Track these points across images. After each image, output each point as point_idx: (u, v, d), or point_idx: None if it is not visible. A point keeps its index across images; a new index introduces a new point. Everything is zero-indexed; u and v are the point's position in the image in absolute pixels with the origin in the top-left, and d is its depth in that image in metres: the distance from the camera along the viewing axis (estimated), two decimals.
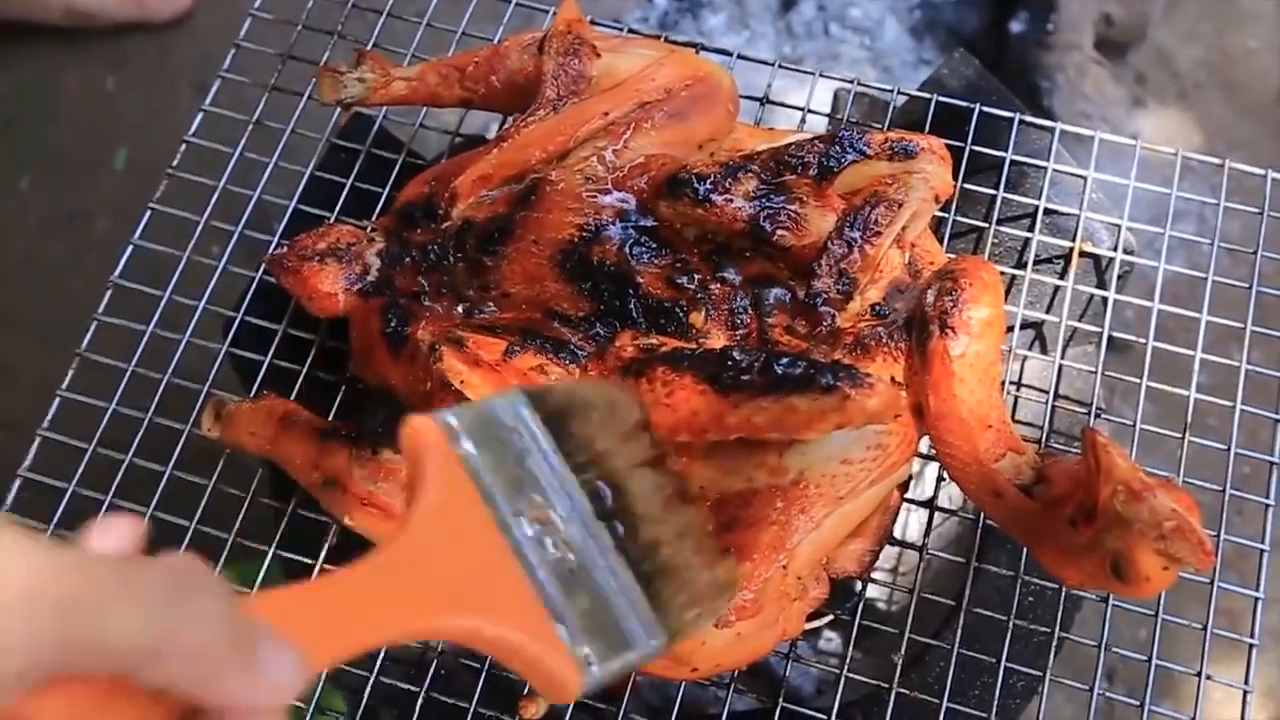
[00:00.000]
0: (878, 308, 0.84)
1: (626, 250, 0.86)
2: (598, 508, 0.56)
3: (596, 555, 0.55)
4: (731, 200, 0.84)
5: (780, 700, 0.85)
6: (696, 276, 0.86)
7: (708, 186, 0.84)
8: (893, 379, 0.81)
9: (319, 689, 0.87)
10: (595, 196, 0.88)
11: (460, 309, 0.87)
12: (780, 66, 1.05)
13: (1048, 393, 0.93)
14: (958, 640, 0.85)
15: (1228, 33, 1.92)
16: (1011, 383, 0.95)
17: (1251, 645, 0.85)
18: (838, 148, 0.85)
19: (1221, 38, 1.92)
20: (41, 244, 1.87)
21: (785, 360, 0.73)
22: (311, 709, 0.85)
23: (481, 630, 0.51)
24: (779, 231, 0.84)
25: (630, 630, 0.55)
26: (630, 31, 1.05)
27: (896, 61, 1.86)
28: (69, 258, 1.85)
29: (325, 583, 0.50)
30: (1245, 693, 0.84)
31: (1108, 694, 0.84)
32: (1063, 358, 0.93)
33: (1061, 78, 1.72)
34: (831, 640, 1.21)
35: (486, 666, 0.87)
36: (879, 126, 1.03)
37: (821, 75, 1.04)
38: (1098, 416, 0.91)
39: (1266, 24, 1.93)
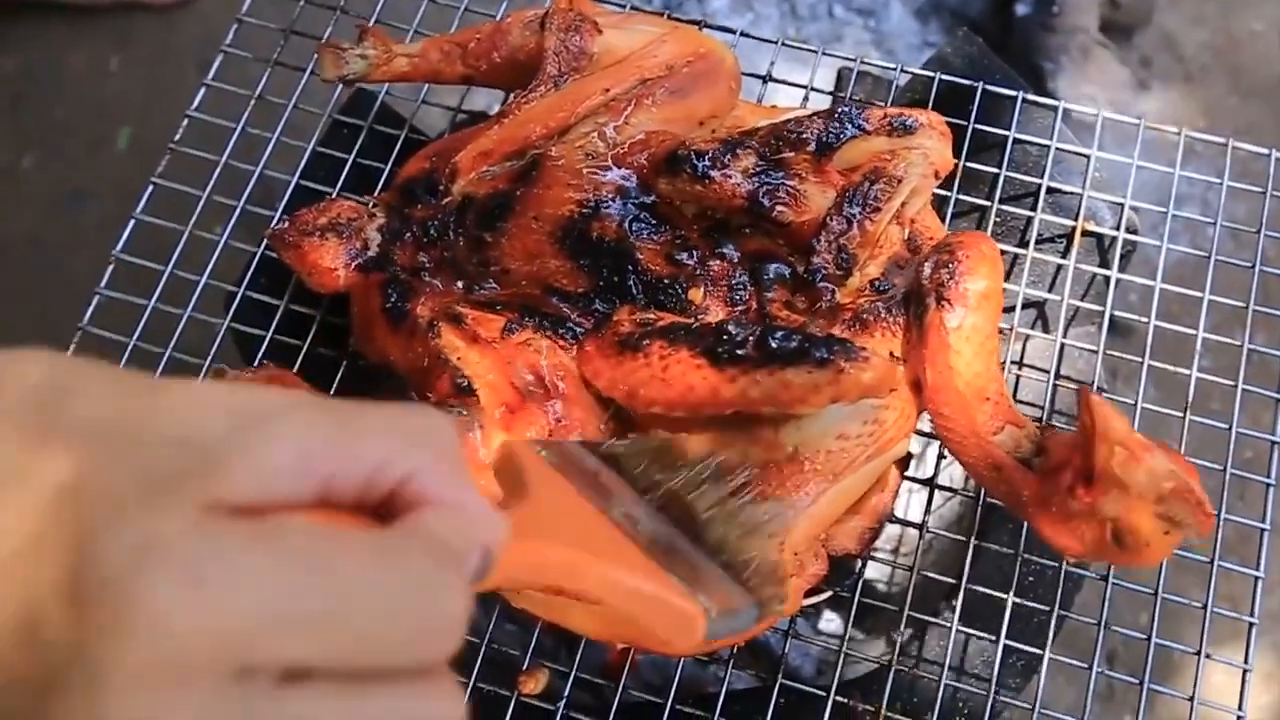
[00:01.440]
0: (877, 283, 0.84)
1: (626, 226, 0.86)
2: (667, 515, 0.58)
3: (679, 542, 0.57)
4: (730, 176, 0.84)
5: (780, 678, 0.85)
6: (695, 252, 0.86)
7: (706, 163, 0.83)
8: (891, 354, 0.81)
9: None
10: (595, 173, 0.88)
11: (460, 285, 0.87)
12: (783, 44, 1.04)
13: (1049, 372, 0.93)
14: (956, 618, 0.85)
15: (1233, 16, 1.91)
16: (1013, 362, 0.95)
17: (1251, 624, 0.85)
18: (837, 123, 0.85)
19: (1227, 20, 1.91)
20: (44, 223, 1.88)
21: (780, 334, 0.73)
22: None
23: (621, 579, 0.52)
24: (778, 207, 0.84)
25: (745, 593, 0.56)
26: (632, 9, 1.05)
27: (901, 44, 1.85)
28: (71, 236, 1.86)
29: None
30: (1245, 671, 0.84)
31: (1107, 673, 0.84)
32: (1064, 337, 0.93)
33: (1066, 60, 1.72)
34: (832, 620, 1.21)
35: (486, 641, 0.87)
36: (881, 104, 1.03)
37: (824, 53, 1.04)
38: (1100, 392, 0.91)
39: (1272, 7, 1.92)
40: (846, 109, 0.85)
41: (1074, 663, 0.85)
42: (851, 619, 0.89)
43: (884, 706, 0.85)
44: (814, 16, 1.88)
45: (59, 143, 1.92)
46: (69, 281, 1.71)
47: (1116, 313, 0.94)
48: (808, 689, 0.85)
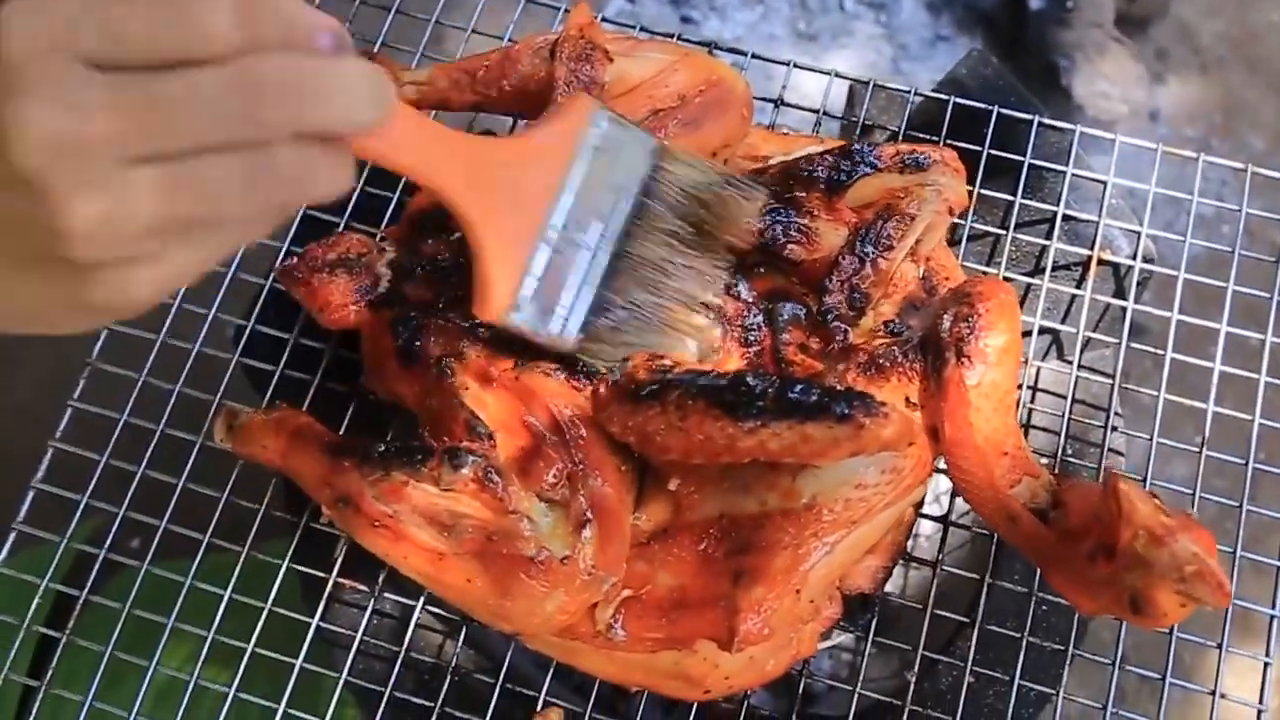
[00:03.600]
0: (892, 325, 0.83)
1: None
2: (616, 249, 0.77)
3: (585, 268, 0.76)
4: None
5: (795, 710, 0.85)
6: None
7: None
8: (907, 400, 0.80)
9: (335, 701, 0.88)
10: None
11: (471, 322, 0.87)
12: (794, 66, 1.03)
13: (1065, 399, 0.92)
14: (970, 657, 0.85)
15: (1249, 6, 1.89)
16: (1027, 388, 0.94)
17: (1266, 664, 0.85)
18: (848, 161, 0.84)
19: (1243, 11, 1.88)
20: None
21: (799, 387, 0.72)
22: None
23: (472, 218, 0.69)
24: (789, 246, 0.83)
25: (562, 318, 0.76)
26: (643, 30, 1.04)
27: (913, 39, 1.83)
28: None
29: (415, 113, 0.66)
30: (1265, 664, 0.84)
31: (1121, 713, 0.84)
32: (1081, 364, 0.92)
33: (1081, 56, 1.70)
34: (842, 639, 1.21)
35: (501, 681, 0.87)
36: (895, 129, 1.02)
37: (837, 75, 1.03)
38: (1114, 430, 0.90)
39: None
40: (858, 146, 0.84)
41: (1089, 702, 0.85)
42: (865, 658, 0.89)
43: None
44: (824, 10, 1.86)
45: None
46: None
47: (1133, 343, 0.93)
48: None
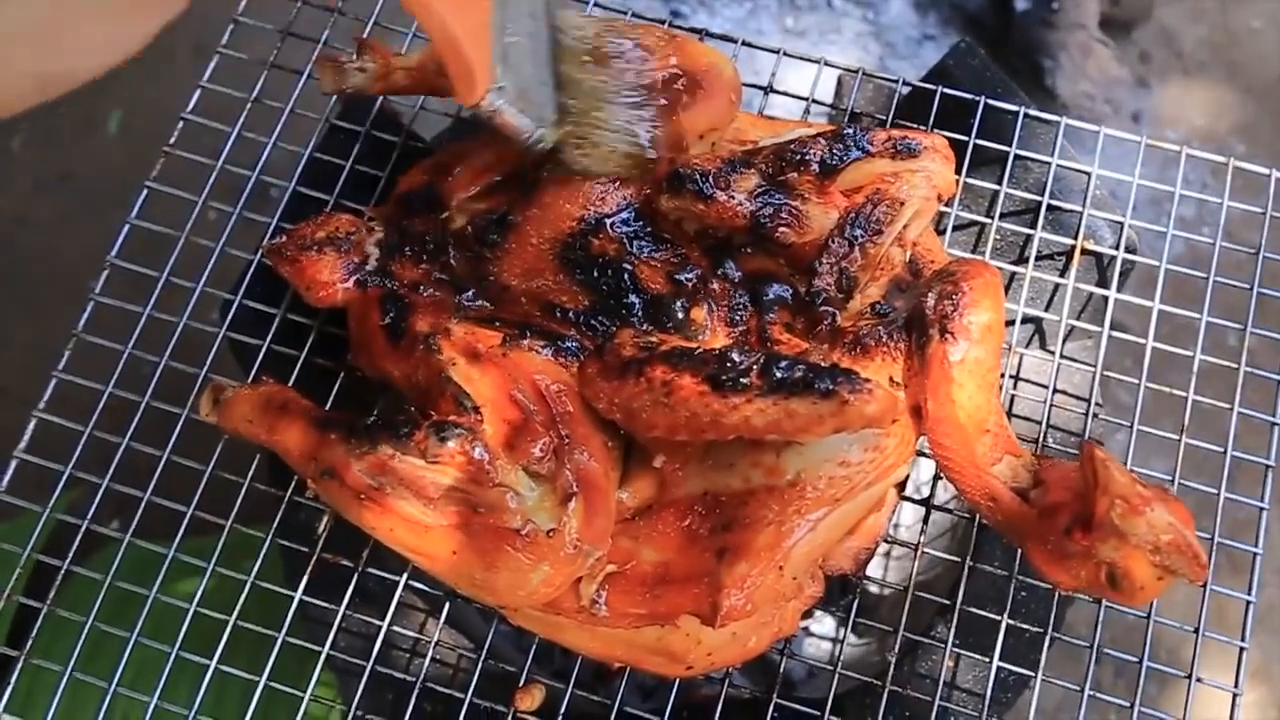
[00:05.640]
0: (878, 306, 0.84)
1: (626, 243, 0.86)
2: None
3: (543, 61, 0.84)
4: (733, 197, 0.83)
5: (775, 693, 0.86)
6: (696, 271, 0.85)
7: (709, 182, 0.83)
8: (891, 379, 0.81)
9: (315, 676, 0.87)
10: (595, 189, 0.87)
11: (458, 300, 0.87)
12: (784, 55, 1.04)
13: (1046, 387, 0.93)
14: (950, 639, 0.86)
15: (1232, 12, 1.91)
16: (1010, 377, 0.95)
17: (1242, 649, 0.85)
18: (840, 145, 0.84)
19: (1225, 16, 1.90)
20: (32, 204, 1.86)
21: (784, 363, 0.73)
22: (307, 699, 0.86)
23: (441, 8, 0.74)
24: (780, 229, 0.83)
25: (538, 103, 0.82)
26: (633, 16, 1.04)
27: (900, 37, 1.84)
28: (59, 219, 1.84)
29: None
30: (1235, 695, 0.85)
31: (1098, 694, 0.85)
32: (1062, 354, 0.93)
33: (1065, 57, 1.71)
34: (824, 621, 1.22)
35: (483, 658, 0.87)
36: (882, 118, 1.02)
37: (826, 64, 1.04)
38: (1094, 418, 0.91)
39: (1271, 3, 1.92)
40: (850, 130, 0.85)
41: (1066, 684, 0.86)
42: (845, 638, 0.90)
43: None
44: (812, 7, 1.87)
45: (49, 124, 1.90)
46: (57, 263, 1.69)
47: (1114, 332, 0.94)
48: (801, 708, 0.86)
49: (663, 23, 1.02)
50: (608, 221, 0.86)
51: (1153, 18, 1.86)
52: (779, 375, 0.72)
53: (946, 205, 0.96)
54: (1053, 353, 0.93)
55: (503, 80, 0.79)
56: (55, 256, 1.74)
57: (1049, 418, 0.92)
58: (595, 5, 1.07)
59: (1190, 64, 1.87)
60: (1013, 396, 0.96)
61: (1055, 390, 0.92)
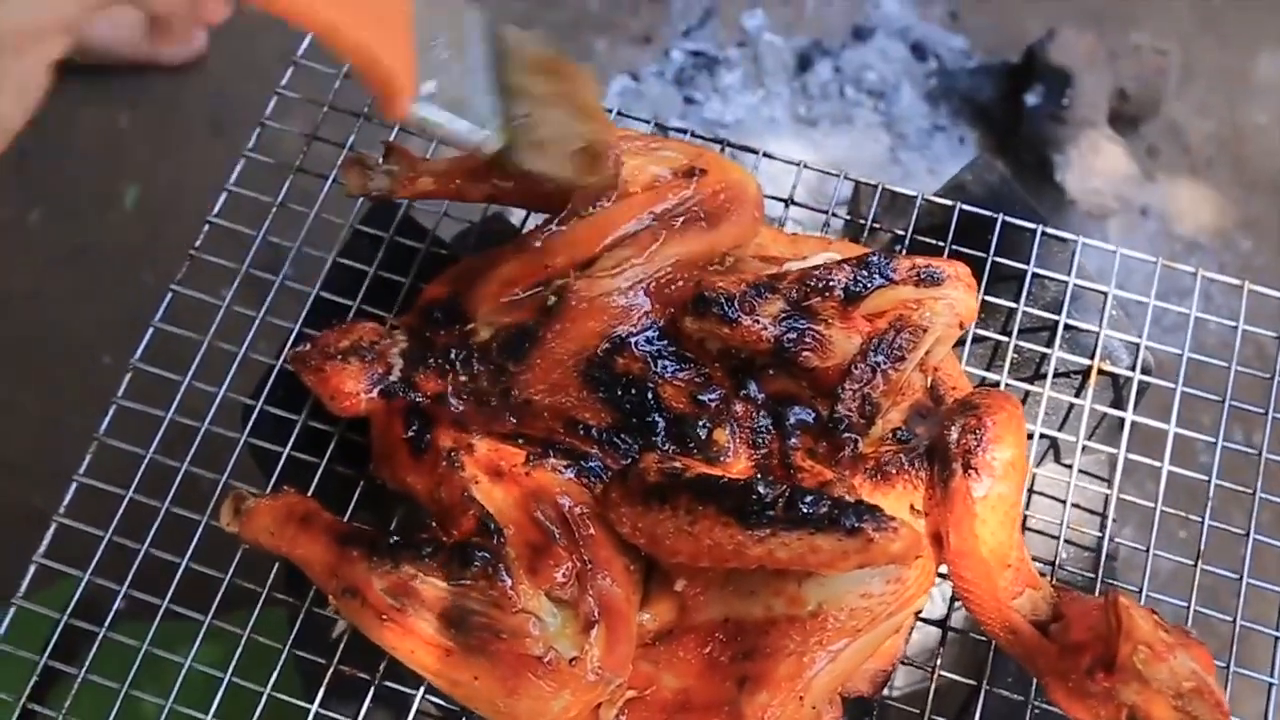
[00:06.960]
0: (899, 432, 0.84)
1: (650, 363, 0.87)
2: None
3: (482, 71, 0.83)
4: (758, 321, 0.84)
5: None
6: (720, 392, 0.86)
7: (735, 307, 0.84)
8: (912, 506, 0.81)
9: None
10: (620, 307, 0.88)
11: (482, 415, 0.87)
12: (805, 168, 1.05)
13: (1062, 502, 0.93)
14: None
15: (1239, 107, 1.93)
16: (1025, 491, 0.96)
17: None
18: (865, 272, 0.85)
19: (1233, 112, 1.93)
20: (47, 278, 1.87)
21: (809, 498, 0.74)
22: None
23: (338, 20, 0.70)
24: (804, 353, 0.84)
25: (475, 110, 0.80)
26: (656, 125, 1.06)
27: (911, 128, 1.87)
28: (74, 293, 1.85)
29: None
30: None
31: None
32: (1077, 473, 0.94)
33: (1074, 152, 1.73)
34: None
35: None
36: (901, 232, 1.04)
37: (846, 178, 1.05)
38: (1112, 540, 0.92)
39: (1277, 99, 1.95)
40: (875, 259, 0.86)
41: None
42: None
43: None
44: (825, 95, 1.89)
45: (66, 198, 1.91)
46: (70, 337, 1.70)
47: (1130, 455, 0.94)
48: None
49: (677, 114, 1.03)
50: (632, 340, 0.87)
51: (1161, 113, 1.89)
52: (804, 510, 0.73)
53: None
54: (1068, 467, 0.94)
55: (432, 89, 0.77)
56: (69, 330, 1.75)
57: (1064, 535, 0.92)
58: (616, 114, 1.08)
59: (1198, 159, 1.89)
60: (1026, 515, 0.96)
61: (1070, 506, 0.93)
